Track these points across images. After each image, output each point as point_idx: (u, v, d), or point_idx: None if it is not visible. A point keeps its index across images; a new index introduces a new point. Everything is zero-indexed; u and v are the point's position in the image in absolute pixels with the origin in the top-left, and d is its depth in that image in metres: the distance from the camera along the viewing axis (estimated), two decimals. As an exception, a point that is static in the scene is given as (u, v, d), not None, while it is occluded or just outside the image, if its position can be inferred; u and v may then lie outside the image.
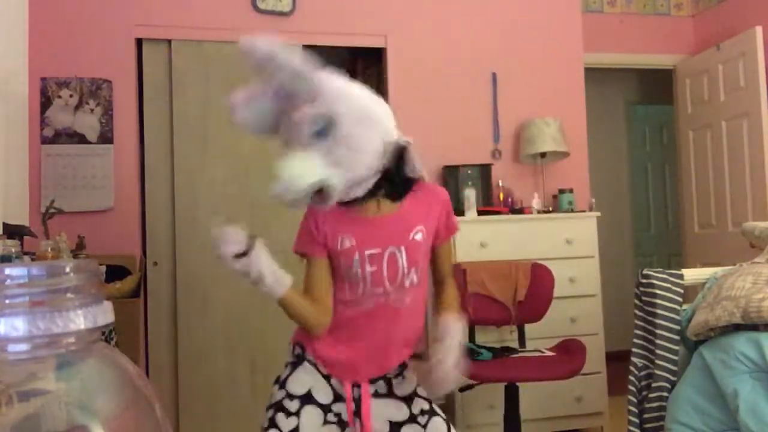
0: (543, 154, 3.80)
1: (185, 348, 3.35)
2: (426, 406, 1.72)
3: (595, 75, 4.65)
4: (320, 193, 1.48)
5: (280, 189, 1.44)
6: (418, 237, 1.67)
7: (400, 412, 1.71)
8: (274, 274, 1.53)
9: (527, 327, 3.19)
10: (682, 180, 4.81)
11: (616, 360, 3.77)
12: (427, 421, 1.69)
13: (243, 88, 1.52)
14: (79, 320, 0.69)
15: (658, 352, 2.21)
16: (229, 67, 3.51)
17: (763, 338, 1.87)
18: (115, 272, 3.03)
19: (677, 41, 4.81)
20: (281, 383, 1.68)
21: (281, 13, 3.62)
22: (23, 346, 0.67)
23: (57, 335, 0.67)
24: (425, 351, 1.65)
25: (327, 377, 1.71)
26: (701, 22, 4.77)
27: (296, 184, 1.43)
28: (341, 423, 1.69)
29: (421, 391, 1.75)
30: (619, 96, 5.85)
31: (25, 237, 2.61)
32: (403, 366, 1.78)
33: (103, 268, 2.93)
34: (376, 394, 1.73)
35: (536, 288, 3.12)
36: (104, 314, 0.73)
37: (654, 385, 2.20)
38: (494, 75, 3.94)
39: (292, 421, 1.60)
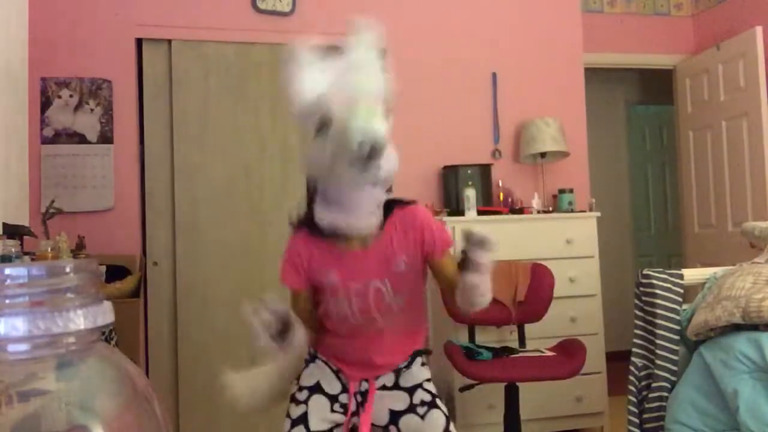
0: (543, 154, 3.80)
1: (185, 348, 3.35)
2: (427, 398, 1.76)
3: (595, 75, 4.65)
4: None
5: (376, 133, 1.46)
6: (402, 267, 1.68)
7: (401, 402, 1.76)
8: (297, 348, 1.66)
9: (527, 327, 3.19)
10: (682, 180, 4.80)
11: (616, 360, 3.77)
12: (426, 413, 1.73)
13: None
14: (79, 320, 0.69)
15: (658, 352, 2.21)
16: (229, 67, 3.51)
17: (763, 338, 1.87)
18: (115, 272, 3.03)
19: (677, 41, 4.81)
20: (297, 379, 1.81)
21: (281, 13, 3.62)
22: (23, 346, 0.67)
23: (57, 335, 0.67)
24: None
25: (337, 371, 1.79)
26: (701, 22, 4.77)
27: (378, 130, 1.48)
28: (347, 412, 1.76)
29: (427, 384, 1.79)
30: (619, 96, 5.84)
31: (25, 237, 2.61)
32: (415, 355, 1.83)
33: (103, 268, 2.94)
34: (383, 387, 1.79)
35: (536, 288, 3.12)
36: (104, 314, 0.73)
37: (654, 385, 2.20)
38: (494, 75, 3.93)
39: (301, 409, 1.72)
